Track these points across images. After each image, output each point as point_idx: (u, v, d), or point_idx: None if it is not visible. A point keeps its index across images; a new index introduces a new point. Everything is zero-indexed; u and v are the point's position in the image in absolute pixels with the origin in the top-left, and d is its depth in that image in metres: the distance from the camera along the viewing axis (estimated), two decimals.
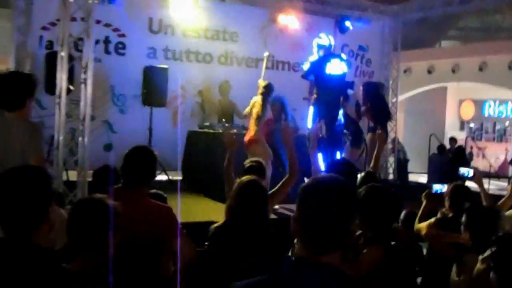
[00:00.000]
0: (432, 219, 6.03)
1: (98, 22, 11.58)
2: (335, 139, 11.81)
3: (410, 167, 18.74)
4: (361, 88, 13.93)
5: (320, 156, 11.25)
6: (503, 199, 6.65)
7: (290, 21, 14.95)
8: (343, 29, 16.08)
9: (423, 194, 6.87)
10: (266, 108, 10.81)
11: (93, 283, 3.25)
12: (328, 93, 11.44)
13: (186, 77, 14.06)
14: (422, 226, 6.11)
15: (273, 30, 15.21)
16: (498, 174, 20.39)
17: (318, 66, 11.48)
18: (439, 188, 7.09)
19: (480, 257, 4.40)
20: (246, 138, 10.66)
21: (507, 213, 6.11)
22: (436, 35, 26.48)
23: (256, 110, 10.84)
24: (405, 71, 21.25)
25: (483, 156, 20.59)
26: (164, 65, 13.22)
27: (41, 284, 2.90)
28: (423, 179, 19.33)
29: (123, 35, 13.85)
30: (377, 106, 13.48)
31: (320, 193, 2.51)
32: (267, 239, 4.56)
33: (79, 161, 8.93)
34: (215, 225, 4.76)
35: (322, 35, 11.92)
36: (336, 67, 11.48)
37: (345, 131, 12.49)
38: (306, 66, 11.94)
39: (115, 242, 3.45)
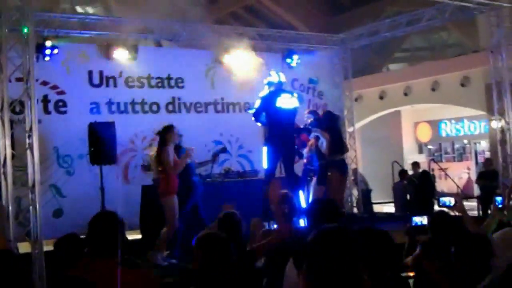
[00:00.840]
0: (417, 251, 5.96)
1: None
2: (296, 178, 11.74)
3: (373, 197, 18.76)
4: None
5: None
6: (486, 221, 6.67)
7: (237, 60, 14.91)
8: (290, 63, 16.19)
9: (404, 230, 6.86)
10: (165, 152, 10.54)
11: None
12: (281, 128, 11.43)
13: (134, 130, 13.87)
14: (409, 260, 6.05)
15: (220, 71, 15.16)
16: (464, 194, 20.49)
17: (268, 100, 11.51)
18: (419, 220, 7.08)
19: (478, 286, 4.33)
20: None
21: (495, 235, 6.11)
22: (383, 58, 26.80)
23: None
24: (356, 99, 21.23)
25: (446, 177, 20.66)
26: (109, 119, 12.97)
27: None
28: (387, 208, 19.37)
29: (62, 92, 13.59)
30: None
31: (330, 246, 2.47)
32: None
33: (33, 232, 8.58)
34: None
35: (272, 72, 11.97)
36: (286, 101, 11.49)
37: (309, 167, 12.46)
38: (257, 103, 11.88)
39: None
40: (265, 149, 11.63)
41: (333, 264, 2.44)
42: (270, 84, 11.80)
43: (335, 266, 2.44)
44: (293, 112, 11.77)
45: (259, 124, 12.00)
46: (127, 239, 4.83)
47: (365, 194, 18.07)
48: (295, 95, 12.09)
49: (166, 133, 10.78)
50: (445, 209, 7.13)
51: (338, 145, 12.49)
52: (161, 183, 10.78)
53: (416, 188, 16.73)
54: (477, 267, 4.61)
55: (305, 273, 2.50)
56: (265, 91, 11.81)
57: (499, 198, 7.41)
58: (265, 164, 11.66)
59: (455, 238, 5.12)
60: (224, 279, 4.53)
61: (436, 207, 13.75)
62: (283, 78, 11.99)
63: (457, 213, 6.99)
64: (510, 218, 6.88)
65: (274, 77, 11.80)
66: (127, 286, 4.37)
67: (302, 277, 2.52)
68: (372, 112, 23.57)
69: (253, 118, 11.89)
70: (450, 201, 7.13)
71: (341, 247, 2.48)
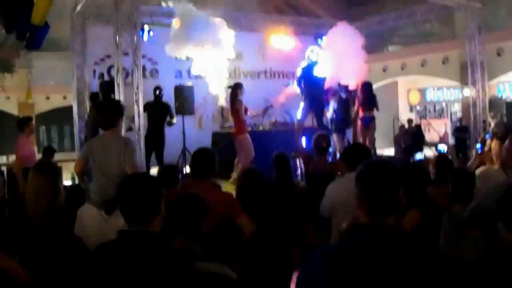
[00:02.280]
0: None
1: None
2: (324, 127, 11.73)
3: (376, 143, 18.61)
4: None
5: (303, 139, 11.28)
6: (470, 162, 6.67)
7: (281, 40, 14.83)
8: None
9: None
10: (237, 102, 10.69)
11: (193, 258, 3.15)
12: (315, 91, 11.49)
13: (206, 90, 13.81)
14: None
15: (269, 48, 15.07)
16: (441, 142, 20.44)
17: (307, 70, 11.55)
18: (420, 157, 7.14)
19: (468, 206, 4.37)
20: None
21: (476, 171, 6.13)
22: (384, 42, 26.46)
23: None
24: None
25: (429, 130, 20.57)
26: (189, 83, 13.02)
27: (159, 260, 2.80)
28: (387, 151, 19.29)
29: (156, 63, 13.71)
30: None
31: (375, 172, 2.57)
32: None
33: (136, 161, 8.70)
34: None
35: (313, 47, 11.94)
36: (320, 71, 11.46)
37: None
38: (298, 72, 11.90)
39: (212, 224, 3.39)
40: (301, 104, 11.69)
41: (375, 185, 2.51)
42: (309, 58, 11.80)
43: (377, 186, 2.50)
44: (324, 79, 11.75)
45: (298, 89, 11.98)
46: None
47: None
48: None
49: (237, 88, 10.86)
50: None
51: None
52: (234, 125, 10.87)
53: (411, 137, 16.71)
54: (466, 193, 4.66)
55: (358, 193, 2.55)
56: (304, 63, 11.80)
57: (478, 145, 7.41)
58: (299, 115, 11.74)
59: (452, 172, 5.17)
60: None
61: (427, 151, 13.85)
62: (320, 55, 11.91)
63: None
64: (486, 159, 6.88)
65: (314, 52, 11.78)
66: (219, 199, 4.45)
67: (357, 195, 2.57)
68: (377, 80, 23.27)
69: (295, 84, 11.94)
70: (444, 148, 7.18)
71: (382, 173, 2.54)
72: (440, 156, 6.31)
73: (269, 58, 15.24)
